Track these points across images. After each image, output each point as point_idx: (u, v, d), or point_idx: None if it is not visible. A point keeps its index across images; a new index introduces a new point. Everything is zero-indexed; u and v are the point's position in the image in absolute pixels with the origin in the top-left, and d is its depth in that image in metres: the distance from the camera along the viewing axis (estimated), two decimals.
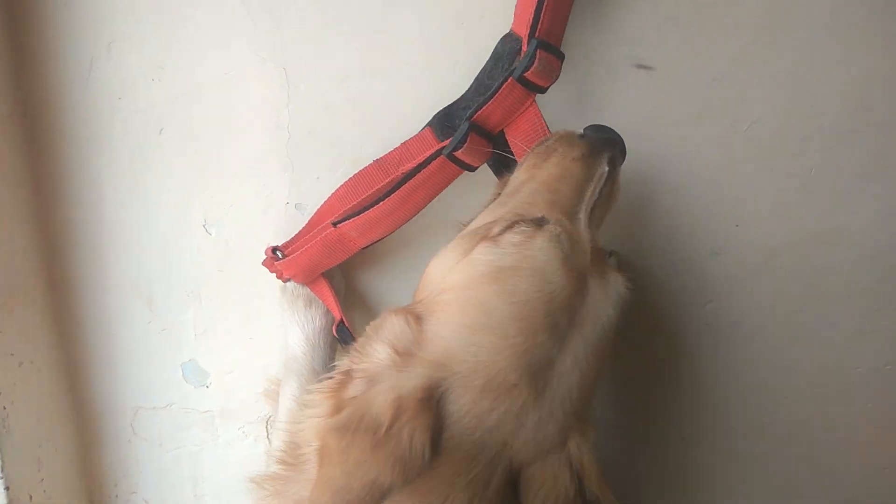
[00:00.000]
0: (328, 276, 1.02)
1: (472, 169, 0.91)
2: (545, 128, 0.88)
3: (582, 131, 0.84)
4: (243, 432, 1.21)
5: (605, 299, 0.71)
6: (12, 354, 1.05)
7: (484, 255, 0.72)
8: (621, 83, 0.99)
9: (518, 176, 0.84)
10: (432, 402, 0.65)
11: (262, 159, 1.05)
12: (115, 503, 1.27)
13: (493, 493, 0.66)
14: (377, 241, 0.98)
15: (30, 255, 1.07)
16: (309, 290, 1.04)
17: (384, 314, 0.72)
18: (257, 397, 1.17)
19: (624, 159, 0.83)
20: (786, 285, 1.08)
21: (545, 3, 0.84)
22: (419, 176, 0.89)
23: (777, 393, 1.17)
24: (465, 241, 0.75)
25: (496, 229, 0.73)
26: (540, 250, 0.70)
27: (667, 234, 1.09)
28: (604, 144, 0.81)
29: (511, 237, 0.72)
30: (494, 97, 0.86)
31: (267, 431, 1.20)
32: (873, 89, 1.00)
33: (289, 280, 1.03)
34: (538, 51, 0.83)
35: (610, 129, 0.84)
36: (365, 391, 0.66)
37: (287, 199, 1.07)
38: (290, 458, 0.76)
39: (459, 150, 0.87)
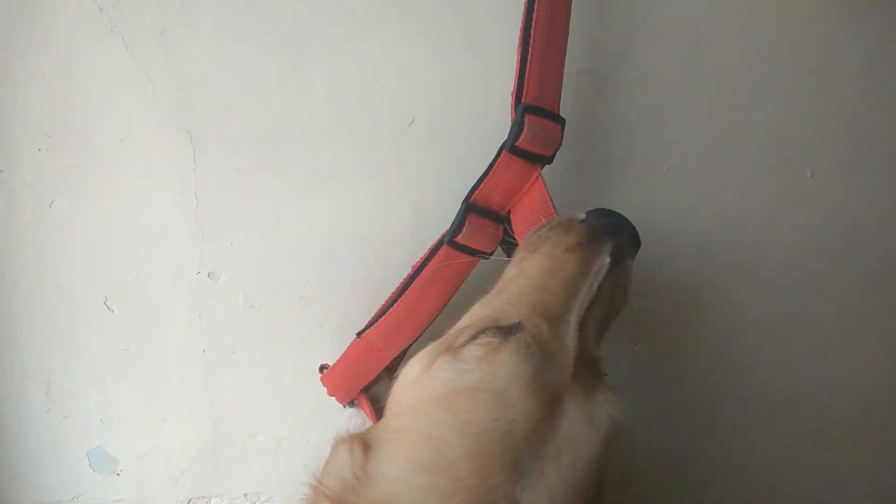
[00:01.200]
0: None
1: (485, 256, 0.81)
2: (551, 207, 0.78)
3: (583, 215, 0.73)
4: None
5: (589, 425, 0.57)
6: None
7: (442, 371, 0.60)
8: None
9: (508, 270, 0.73)
10: None
11: (169, 227, 0.97)
12: None
13: None
14: (408, 349, 0.86)
15: None
16: None
17: (335, 441, 0.61)
18: (175, 481, 1.08)
19: (637, 250, 0.71)
20: (710, 319, 1.09)
21: (528, 65, 0.77)
22: (427, 269, 0.81)
23: (706, 425, 1.18)
24: (431, 352, 0.64)
25: (461, 339, 0.62)
26: (503, 366, 0.58)
27: None
28: (605, 231, 0.69)
29: (474, 350, 0.60)
30: (490, 173, 0.79)
31: None
32: (786, 126, 1.03)
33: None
34: (526, 116, 0.77)
35: (616, 213, 0.73)
36: None
37: (199, 269, 0.99)
38: None
39: (459, 236, 0.79)
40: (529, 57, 0.76)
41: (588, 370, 0.61)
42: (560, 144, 0.80)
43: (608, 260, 0.65)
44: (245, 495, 1.11)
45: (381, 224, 0.98)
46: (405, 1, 0.92)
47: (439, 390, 0.58)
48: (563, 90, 0.84)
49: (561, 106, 0.88)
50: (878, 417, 1.20)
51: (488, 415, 0.55)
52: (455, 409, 0.56)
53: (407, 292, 0.81)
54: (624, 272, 0.67)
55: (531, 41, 0.76)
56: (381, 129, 0.95)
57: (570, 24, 0.81)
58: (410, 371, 0.64)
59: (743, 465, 1.19)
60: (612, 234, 0.68)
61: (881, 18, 0.99)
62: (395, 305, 0.82)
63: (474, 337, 0.61)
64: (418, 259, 0.84)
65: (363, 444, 0.57)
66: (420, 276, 0.81)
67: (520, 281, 0.68)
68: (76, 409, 1.04)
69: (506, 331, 0.60)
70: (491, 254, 0.81)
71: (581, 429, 0.57)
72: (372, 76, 0.94)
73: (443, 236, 0.82)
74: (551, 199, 0.79)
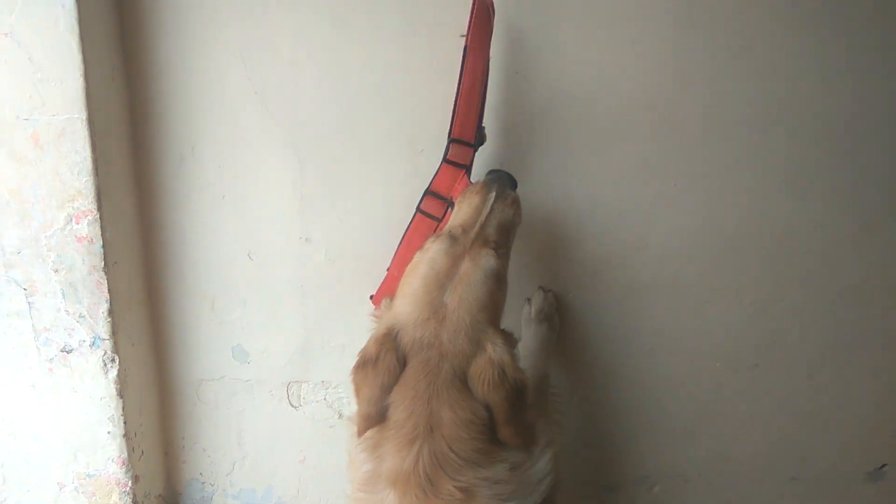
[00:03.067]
0: None
1: (437, 220, 1.45)
2: None
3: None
4: (271, 394, 1.79)
5: (474, 268, 1.23)
6: (133, 345, 1.65)
7: (417, 257, 1.30)
8: None
9: (454, 210, 1.41)
10: (391, 336, 1.21)
11: (283, 210, 1.66)
12: (182, 449, 1.84)
13: (443, 381, 1.16)
14: None
15: (140, 274, 1.69)
16: None
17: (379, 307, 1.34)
18: (281, 369, 1.76)
19: (515, 186, 1.39)
20: (614, 281, 1.66)
21: (455, 112, 1.40)
22: (412, 225, 1.47)
23: (614, 357, 1.73)
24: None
25: (426, 243, 1.31)
26: (433, 249, 1.26)
27: (582, 272, 1.68)
28: (492, 180, 1.37)
29: (429, 244, 1.29)
30: (437, 174, 1.44)
31: (287, 394, 1.79)
32: (655, 152, 1.60)
33: None
34: (451, 145, 1.43)
35: (499, 170, 1.42)
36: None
37: (301, 235, 1.68)
38: None
39: (421, 206, 1.46)
40: (457, 107, 1.40)
41: (483, 246, 1.26)
42: (472, 158, 1.43)
43: (493, 194, 1.33)
44: (322, 382, 1.78)
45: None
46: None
47: (414, 264, 1.28)
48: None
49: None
50: (750, 356, 1.72)
51: (428, 269, 1.24)
52: (417, 269, 1.26)
53: (403, 240, 1.49)
54: (508, 200, 1.34)
55: (457, 97, 1.39)
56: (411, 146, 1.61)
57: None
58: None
59: (640, 388, 1.74)
60: (496, 181, 1.36)
61: (721, 27, 1.56)
62: (399, 247, 1.49)
63: (432, 240, 1.29)
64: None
65: (390, 299, 1.30)
66: (409, 229, 1.48)
67: (457, 211, 1.36)
68: (227, 319, 1.74)
69: (443, 235, 1.28)
70: (440, 219, 1.45)
71: (470, 268, 1.24)
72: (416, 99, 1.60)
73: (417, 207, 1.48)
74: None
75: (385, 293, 1.49)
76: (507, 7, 1.47)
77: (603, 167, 1.60)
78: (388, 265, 1.54)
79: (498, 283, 1.25)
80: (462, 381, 1.17)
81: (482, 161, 1.52)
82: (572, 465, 1.76)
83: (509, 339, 1.24)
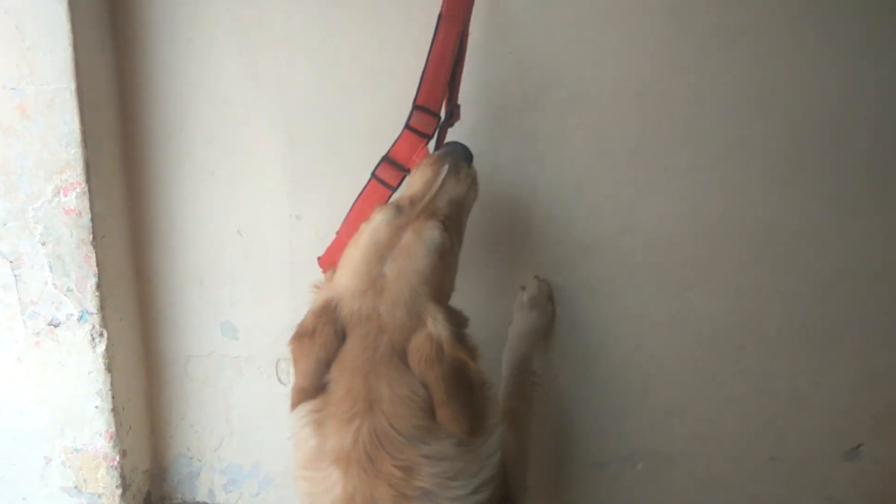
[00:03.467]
0: None
1: (391, 188, 1.38)
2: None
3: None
4: (260, 371, 1.79)
5: (416, 240, 1.18)
6: (121, 320, 1.65)
7: (362, 227, 1.23)
8: None
9: (408, 181, 1.36)
10: (329, 308, 1.16)
11: (275, 188, 1.66)
12: (169, 424, 1.85)
13: (381, 356, 1.13)
14: None
15: (128, 248, 1.68)
16: None
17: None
18: (271, 346, 1.76)
19: (471, 160, 1.35)
20: (604, 263, 1.68)
21: (422, 79, 1.34)
22: (365, 190, 1.40)
23: (604, 337, 1.75)
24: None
25: (373, 214, 1.23)
26: (376, 219, 1.20)
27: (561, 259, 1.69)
28: (446, 153, 1.31)
29: (374, 214, 1.22)
30: (397, 140, 1.37)
31: (276, 370, 1.79)
32: (649, 135, 1.61)
33: None
34: (414, 111, 1.36)
35: (455, 142, 1.34)
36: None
37: (290, 212, 1.67)
38: None
39: (377, 172, 1.38)
40: (424, 74, 1.35)
41: (429, 219, 1.21)
42: (436, 128, 1.37)
43: (446, 167, 1.27)
44: None
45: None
46: None
47: (358, 235, 1.24)
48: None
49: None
50: (733, 339, 1.74)
51: (369, 239, 1.19)
52: (359, 239, 1.22)
53: (355, 204, 1.40)
54: (462, 174, 1.29)
55: (426, 64, 1.34)
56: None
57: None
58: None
59: (626, 369, 1.76)
60: (450, 154, 1.30)
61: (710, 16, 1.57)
62: (350, 211, 1.40)
63: (377, 210, 1.23)
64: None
65: (332, 272, 1.26)
66: (362, 195, 1.40)
67: (409, 182, 1.31)
68: (216, 296, 1.74)
69: (388, 204, 1.24)
70: (395, 187, 1.37)
71: (412, 240, 1.18)
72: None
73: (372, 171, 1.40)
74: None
75: (330, 257, 1.45)
76: None
77: (593, 151, 1.61)
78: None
79: (441, 257, 1.19)
80: (401, 356, 1.14)
81: (467, 141, 1.51)
82: (558, 443, 1.79)
83: (455, 316, 1.20)
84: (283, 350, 1.74)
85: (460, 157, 1.32)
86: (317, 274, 1.68)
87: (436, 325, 1.14)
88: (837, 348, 1.69)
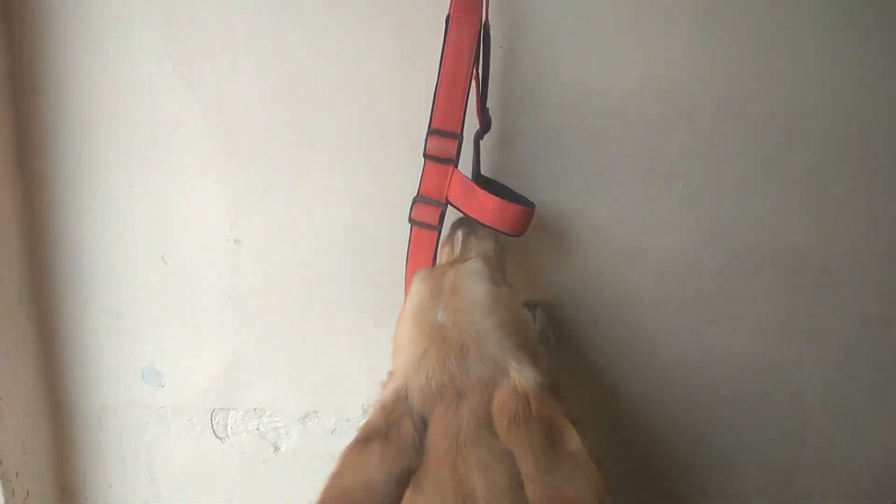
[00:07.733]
0: None
1: (435, 228, 1.18)
2: (472, 184, 1.13)
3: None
4: (191, 423, 1.49)
5: (457, 276, 1.02)
6: (9, 356, 1.33)
7: (405, 304, 1.04)
8: None
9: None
10: (401, 398, 0.89)
11: (210, 207, 1.35)
12: (83, 485, 1.53)
13: (466, 435, 0.87)
14: None
15: (25, 280, 1.36)
16: None
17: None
18: (204, 394, 1.46)
19: (476, 227, 1.18)
20: (607, 295, 1.40)
21: (435, 99, 1.13)
22: (411, 240, 1.20)
23: (612, 384, 1.49)
24: None
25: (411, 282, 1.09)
26: (413, 283, 1.05)
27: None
28: (454, 226, 1.22)
29: (411, 284, 1.07)
30: (422, 175, 1.17)
31: (211, 423, 1.49)
32: (662, 149, 1.34)
33: None
34: (429, 137, 1.14)
35: (462, 216, 1.20)
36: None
37: (228, 237, 1.37)
38: None
39: (412, 216, 1.19)
40: (437, 93, 1.13)
41: (466, 260, 1.09)
42: (458, 152, 1.15)
43: (460, 233, 1.19)
44: (254, 409, 1.49)
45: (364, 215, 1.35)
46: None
47: (400, 312, 1.04)
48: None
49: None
50: (756, 382, 1.49)
51: (412, 301, 1.01)
52: (403, 312, 1.02)
53: (407, 262, 1.21)
54: (483, 232, 1.18)
55: (438, 78, 1.12)
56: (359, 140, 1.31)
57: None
58: None
59: (642, 414, 1.50)
60: (457, 226, 1.22)
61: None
62: (406, 274, 1.21)
63: (413, 278, 1.08)
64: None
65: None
66: (408, 258, 1.21)
67: (440, 258, 1.21)
68: (135, 334, 1.42)
69: (421, 269, 1.10)
70: (436, 227, 1.18)
71: (456, 279, 1.01)
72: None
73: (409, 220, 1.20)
74: (473, 181, 1.16)
75: None
76: None
77: (599, 165, 1.33)
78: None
79: (496, 284, 1.01)
80: (490, 427, 0.88)
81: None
82: None
83: (538, 360, 0.96)
84: (220, 399, 1.48)
85: (471, 223, 1.19)
86: (261, 306, 1.41)
87: (521, 374, 0.90)
88: (879, 405, 1.45)
